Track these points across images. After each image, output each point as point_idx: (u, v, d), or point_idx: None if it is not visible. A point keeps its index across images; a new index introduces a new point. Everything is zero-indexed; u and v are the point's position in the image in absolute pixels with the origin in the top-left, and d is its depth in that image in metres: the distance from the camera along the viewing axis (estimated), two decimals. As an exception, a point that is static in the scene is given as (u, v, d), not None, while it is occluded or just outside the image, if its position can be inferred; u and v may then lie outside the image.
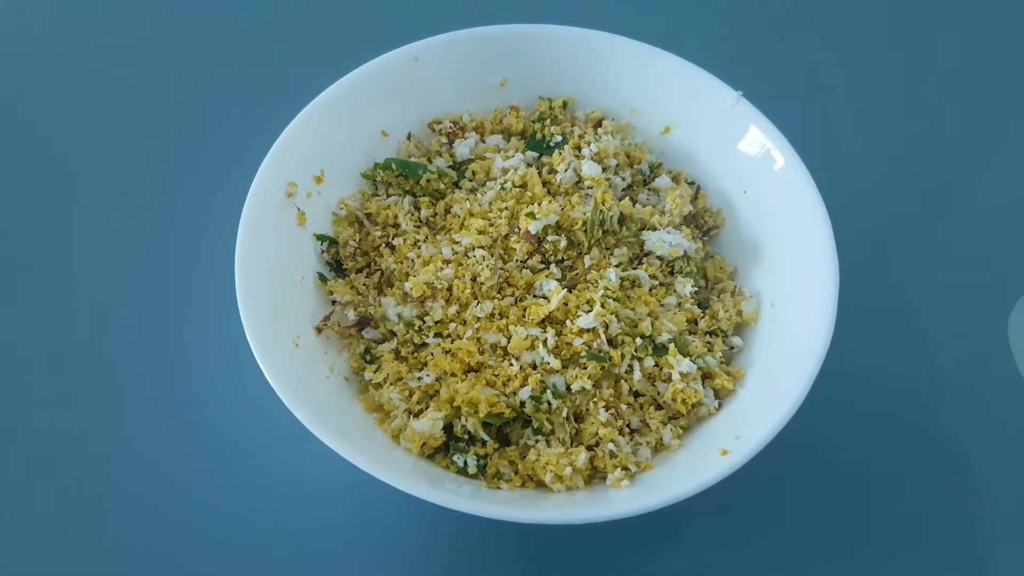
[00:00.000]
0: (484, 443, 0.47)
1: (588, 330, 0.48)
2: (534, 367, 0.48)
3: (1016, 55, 0.76)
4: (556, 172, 0.55)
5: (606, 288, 0.50)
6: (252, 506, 0.51)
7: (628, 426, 0.48)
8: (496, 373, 0.48)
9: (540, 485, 0.46)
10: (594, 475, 0.47)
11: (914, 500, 0.54)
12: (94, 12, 0.74)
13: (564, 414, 0.47)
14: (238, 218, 0.48)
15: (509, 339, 0.49)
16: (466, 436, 0.47)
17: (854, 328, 0.50)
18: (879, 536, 0.52)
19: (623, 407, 0.48)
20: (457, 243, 0.52)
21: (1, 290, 0.59)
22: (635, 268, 0.53)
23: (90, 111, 0.68)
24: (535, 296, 0.51)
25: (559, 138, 0.57)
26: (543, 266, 0.52)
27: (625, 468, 0.46)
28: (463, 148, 0.58)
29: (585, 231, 0.52)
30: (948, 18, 0.79)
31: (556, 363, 0.47)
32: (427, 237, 0.54)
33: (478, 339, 0.49)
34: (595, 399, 0.48)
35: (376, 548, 0.51)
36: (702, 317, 0.52)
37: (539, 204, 0.52)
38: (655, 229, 0.54)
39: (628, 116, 0.60)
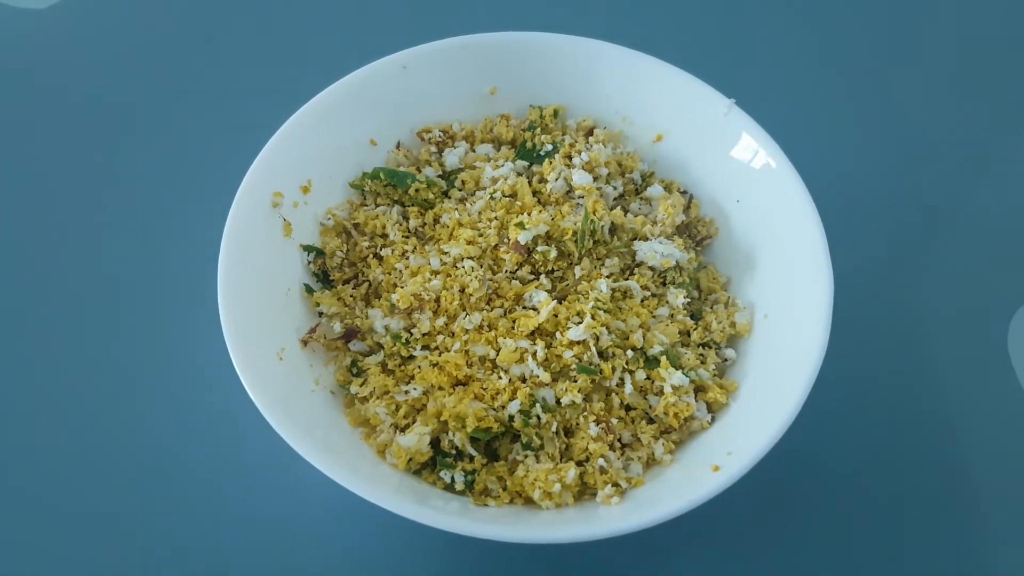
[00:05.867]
0: (472, 458, 0.46)
1: (578, 342, 0.47)
2: (523, 380, 0.47)
3: (1016, 59, 0.75)
4: (547, 181, 0.55)
5: (597, 299, 0.49)
6: (234, 522, 0.50)
7: (619, 440, 0.47)
8: (484, 386, 0.47)
9: (529, 502, 0.45)
10: (584, 491, 0.46)
11: (913, 515, 0.53)
12: (76, 25, 0.73)
13: (554, 428, 0.46)
14: (222, 228, 0.47)
15: (498, 351, 0.48)
16: (453, 451, 0.46)
17: (849, 340, 0.50)
18: (877, 551, 0.51)
19: (614, 421, 0.47)
20: (446, 253, 0.51)
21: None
22: (626, 279, 0.52)
23: (72, 119, 0.67)
24: (524, 307, 0.50)
25: (550, 147, 0.57)
26: (533, 277, 0.51)
27: (616, 484, 0.45)
28: (452, 157, 0.57)
29: (576, 241, 0.51)
30: (944, 24, 0.78)
31: (546, 376, 0.47)
32: (415, 247, 0.53)
33: (466, 352, 0.48)
34: (585, 413, 0.47)
35: (362, 565, 0.50)
36: (695, 329, 0.52)
37: (529, 214, 0.52)
38: (647, 239, 0.53)
39: (620, 125, 0.59)
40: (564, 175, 0.54)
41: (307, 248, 0.53)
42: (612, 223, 0.53)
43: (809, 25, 0.77)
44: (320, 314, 0.51)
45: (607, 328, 0.48)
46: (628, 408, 0.48)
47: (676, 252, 0.52)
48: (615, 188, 0.56)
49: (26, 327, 0.57)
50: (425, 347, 0.49)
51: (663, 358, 0.48)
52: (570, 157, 0.56)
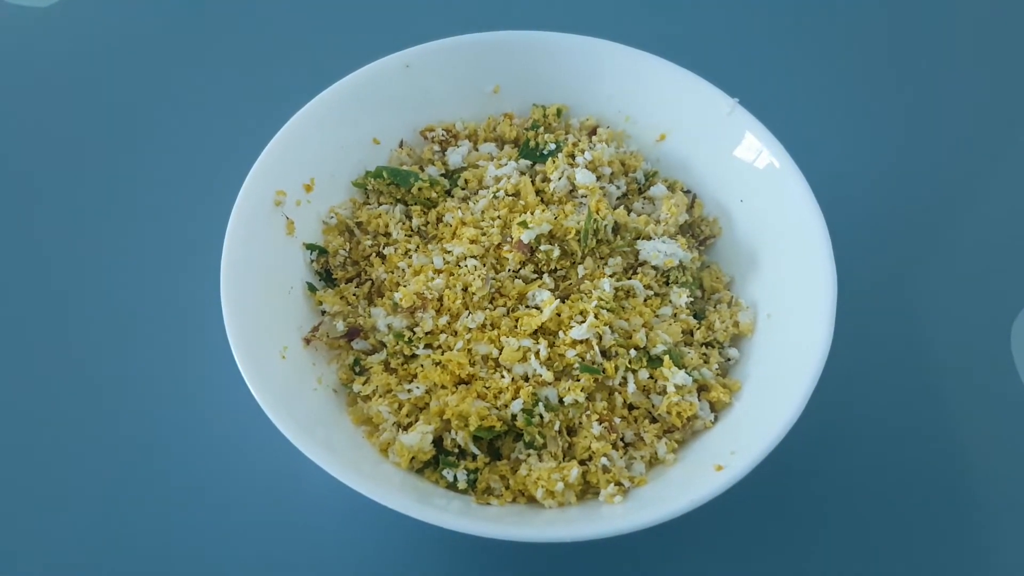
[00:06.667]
0: (474, 457, 0.46)
1: (581, 341, 0.47)
2: (526, 379, 0.47)
3: (1019, 59, 0.75)
4: (550, 180, 0.55)
5: (600, 298, 0.49)
6: (236, 520, 0.50)
7: (622, 440, 0.47)
8: (487, 385, 0.47)
9: (531, 500, 0.45)
10: (587, 490, 0.46)
11: (915, 516, 0.53)
12: (79, 22, 0.73)
13: (556, 427, 0.46)
14: (225, 227, 0.47)
15: (501, 350, 0.48)
16: (456, 450, 0.46)
17: (853, 340, 0.49)
18: (880, 551, 0.51)
19: (617, 420, 0.47)
20: (448, 252, 0.51)
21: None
22: (629, 278, 0.52)
23: (73, 118, 0.67)
24: (527, 306, 0.50)
25: (553, 146, 0.56)
26: (536, 276, 0.51)
27: (618, 483, 0.45)
28: (455, 156, 0.57)
29: (579, 240, 0.51)
30: (947, 24, 0.78)
31: (548, 375, 0.46)
32: (418, 246, 0.53)
33: (469, 350, 0.48)
34: (588, 412, 0.47)
35: (364, 564, 0.50)
36: (698, 328, 0.51)
37: (532, 213, 0.52)
38: (650, 238, 0.53)
39: (623, 124, 0.59)
40: (567, 174, 0.54)
41: (310, 247, 0.52)
42: (615, 222, 0.53)
43: (813, 24, 0.77)
44: (323, 313, 0.51)
45: (610, 327, 0.48)
46: (631, 407, 0.48)
47: (679, 251, 0.52)
48: (618, 187, 0.56)
49: (26, 327, 0.57)
50: (428, 346, 0.49)
51: (666, 357, 0.48)
52: (573, 156, 0.56)
